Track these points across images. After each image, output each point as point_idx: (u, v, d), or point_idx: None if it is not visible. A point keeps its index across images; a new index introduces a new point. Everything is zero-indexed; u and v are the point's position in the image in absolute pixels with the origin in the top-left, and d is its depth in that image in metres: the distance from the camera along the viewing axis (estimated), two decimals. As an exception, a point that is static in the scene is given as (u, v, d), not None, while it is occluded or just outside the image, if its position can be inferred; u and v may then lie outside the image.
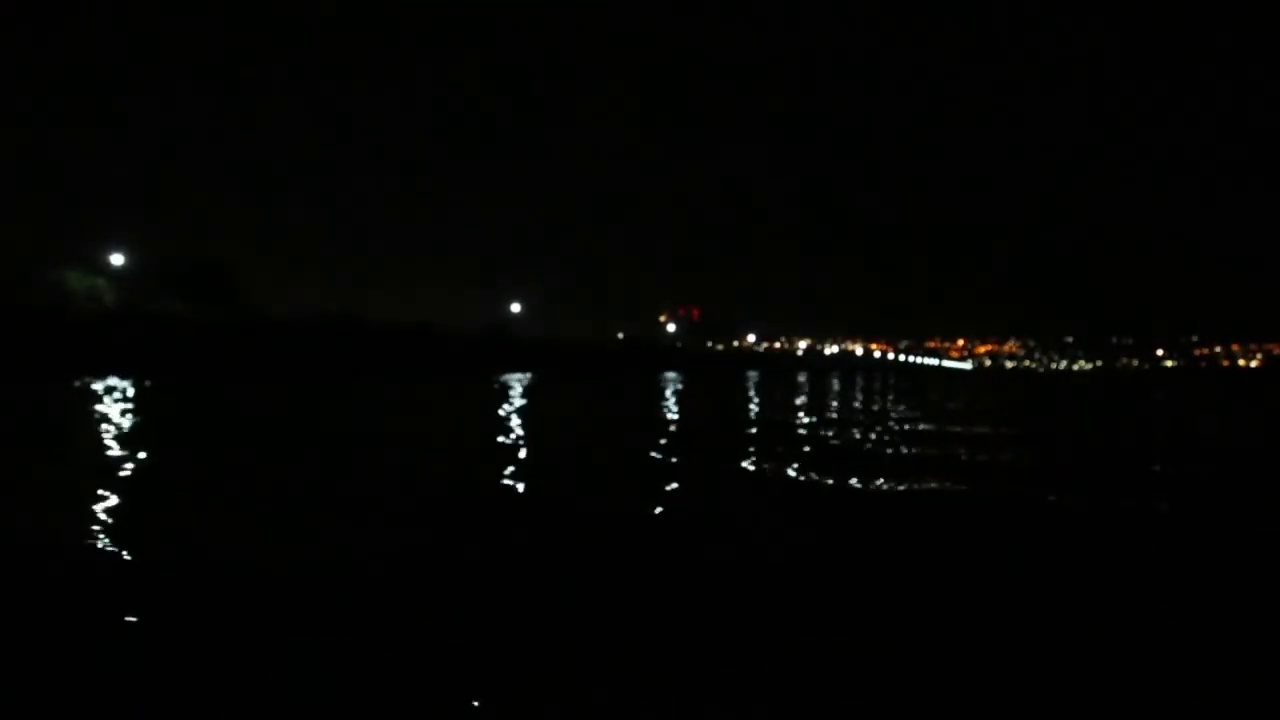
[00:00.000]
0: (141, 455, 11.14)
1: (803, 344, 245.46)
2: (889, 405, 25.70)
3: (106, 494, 8.05)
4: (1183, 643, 4.47)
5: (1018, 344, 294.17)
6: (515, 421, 17.13)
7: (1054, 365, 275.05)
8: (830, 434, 16.40)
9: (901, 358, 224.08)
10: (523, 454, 12.12)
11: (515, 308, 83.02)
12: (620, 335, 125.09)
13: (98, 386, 26.54)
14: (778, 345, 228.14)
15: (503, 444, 13.23)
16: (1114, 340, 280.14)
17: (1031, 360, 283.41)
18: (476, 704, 3.46)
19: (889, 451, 13.20)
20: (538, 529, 7.03)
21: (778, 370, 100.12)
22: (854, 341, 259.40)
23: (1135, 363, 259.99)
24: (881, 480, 9.48)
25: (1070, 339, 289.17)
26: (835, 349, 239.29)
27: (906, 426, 17.41)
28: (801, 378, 69.82)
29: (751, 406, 26.24)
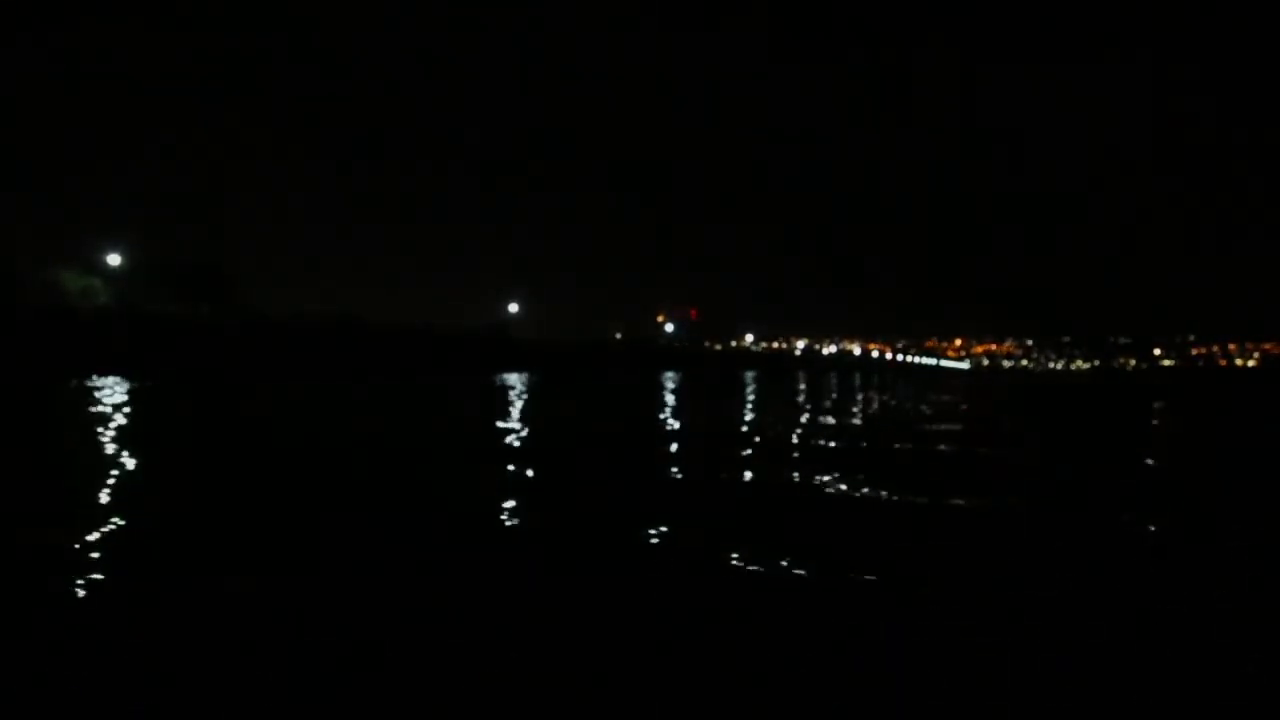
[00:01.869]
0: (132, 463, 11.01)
1: (800, 344, 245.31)
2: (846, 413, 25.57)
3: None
4: None
5: (1015, 344, 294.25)
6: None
7: (1051, 365, 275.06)
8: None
9: (899, 357, 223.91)
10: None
11: (513, 308, 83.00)
12: (618, 335, 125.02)
13: (92, 387, 26.42)
14: (775, 345, 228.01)
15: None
16: (1111, 340, 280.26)
17: (1029, 360, 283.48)
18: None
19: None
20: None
21: (775, 370, 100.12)
22: (851, 341, 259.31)
23: (1133, 362, 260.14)
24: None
25: (1067, 339, 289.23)
26: (833, 349, 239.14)
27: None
28: (800, 378, 69.86)
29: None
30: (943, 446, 14.44)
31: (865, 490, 9.28)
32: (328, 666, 3.85)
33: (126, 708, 3.43)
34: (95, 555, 5.73)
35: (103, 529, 6.49)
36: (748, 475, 10.86)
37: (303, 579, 5.32)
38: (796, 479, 10.33)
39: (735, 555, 6.02)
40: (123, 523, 6.78)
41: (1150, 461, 14.23)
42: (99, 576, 5.21)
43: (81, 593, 4.87)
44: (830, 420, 19.98)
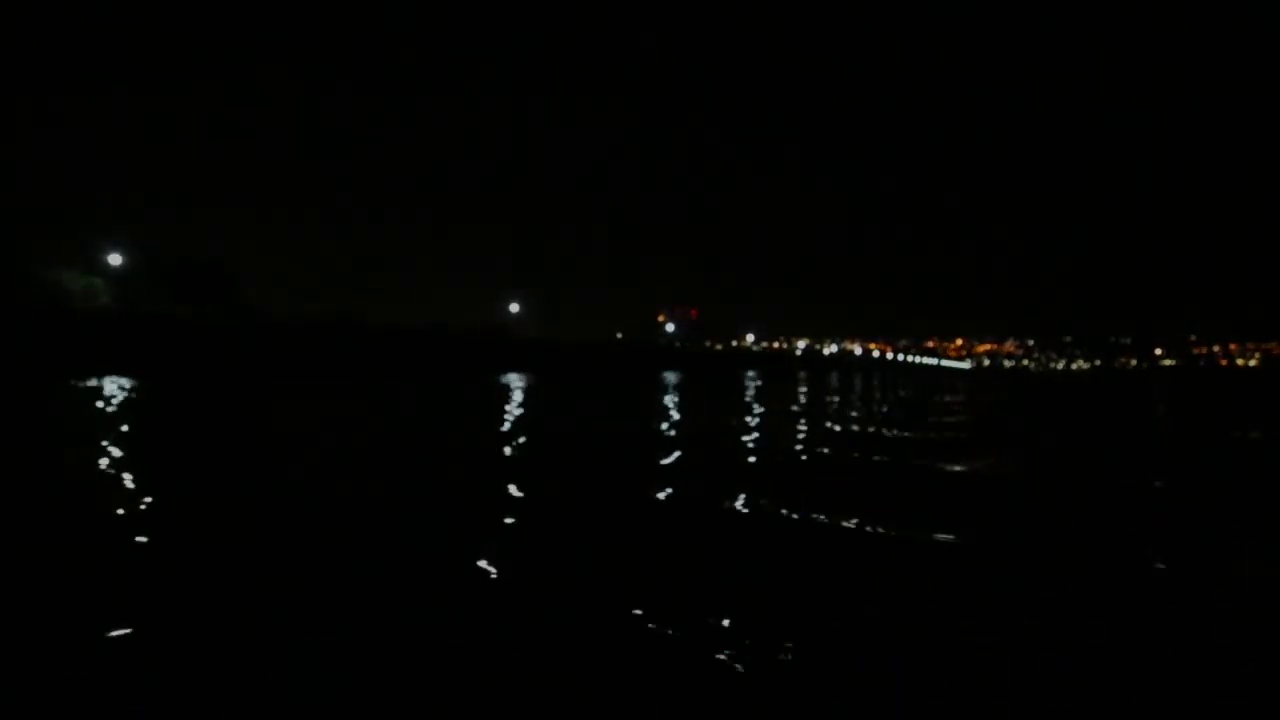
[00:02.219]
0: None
1: (801, 344, 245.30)
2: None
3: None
4: None
5: (1016, 344, 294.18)
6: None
7: (1052, 365, 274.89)
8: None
9: (901, 357, 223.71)
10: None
11: (513, 308, 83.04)
12: (619, 335, 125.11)
13: (92, 387, 26.43)
14: (776, 345, 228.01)
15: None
16: (1112, 339, 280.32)
17: (1030, 360, 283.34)
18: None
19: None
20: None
21: (776, 370, 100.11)
22: (852, 341, 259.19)
23: (1133, 362, 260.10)
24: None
25: (1069, 338, 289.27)
26: (834, 349, 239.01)
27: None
28: (801, 379, 69.89)
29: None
30: (948, 465, 14.42)
31: (868, 523, 9.24)
32: (328, 666, 3.85)
33: (126, 708, 3.44)
34: (92, 555, 5.73)
35: (99, 529, 6.49)
36: (743, 496, 10.83)
37: (303, 578, 5.32)
38: (796, 495, 10.32)
39: (731, 553, 6.03)
40: (120, 523, 6.78)
41: (1149, 462, 14.22)
42: (95, 576, 5.22)
43: (78, 592, 4.87)
44: (832, 425, 19.96)
